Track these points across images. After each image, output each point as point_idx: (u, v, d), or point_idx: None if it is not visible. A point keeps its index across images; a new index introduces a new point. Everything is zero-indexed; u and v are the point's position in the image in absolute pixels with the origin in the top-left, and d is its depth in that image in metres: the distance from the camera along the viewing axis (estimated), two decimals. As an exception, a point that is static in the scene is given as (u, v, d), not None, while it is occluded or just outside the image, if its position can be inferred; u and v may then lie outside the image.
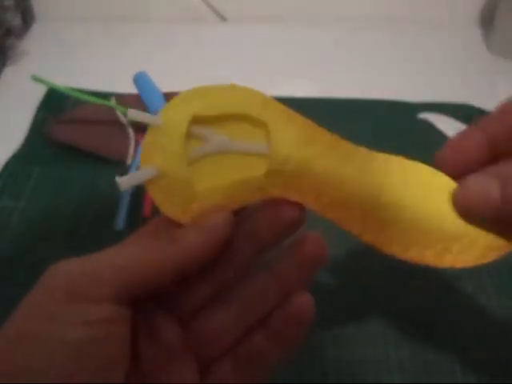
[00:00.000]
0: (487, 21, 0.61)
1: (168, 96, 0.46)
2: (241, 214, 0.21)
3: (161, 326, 0.20)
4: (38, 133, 0.45)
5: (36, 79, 0.42)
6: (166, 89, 0.46)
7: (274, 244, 0.21)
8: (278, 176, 0.18)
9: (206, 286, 0.21)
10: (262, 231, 0.21)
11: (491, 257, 0.20)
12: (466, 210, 0.18)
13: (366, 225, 0.19)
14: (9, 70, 0.54)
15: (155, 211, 0.22)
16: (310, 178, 0.18)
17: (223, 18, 0.62)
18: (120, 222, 0.36)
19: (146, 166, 0.18)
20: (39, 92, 0.48)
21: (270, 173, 0.18)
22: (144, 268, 0.19)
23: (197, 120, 0.18)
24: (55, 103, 0.47)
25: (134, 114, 0.18)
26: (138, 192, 0.39)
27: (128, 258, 0.19)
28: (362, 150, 0.20)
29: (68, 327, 0.17)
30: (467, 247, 0.19)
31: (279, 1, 0.61)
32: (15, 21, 0.57)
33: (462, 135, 0.20)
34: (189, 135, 0.18)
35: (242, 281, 0.22)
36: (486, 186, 0.17)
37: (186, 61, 0.55)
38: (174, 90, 0.46)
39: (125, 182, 0.18)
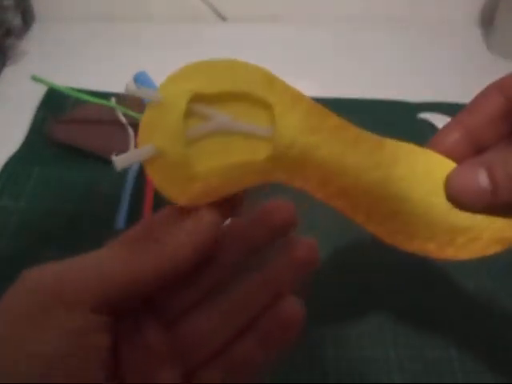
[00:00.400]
0: (487, 21, 0.61)
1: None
2: (232, 216, 0.20)
3: (145, 330, 0.20)
4: (38, 133, 0.45)
5: (36, 79, 0.42)
6: (165, 89, 0.46)
7: (264, 245, 0.21)
8: (281, 161, 0.17)
9: (194, 288, 0.21)
10: (254, 232, 0.20)
11: (493, 250, 0.19)
12: (461, 204, 0.18)
13: (370, 215, 0.19)
14: (9, 70, 0.54)
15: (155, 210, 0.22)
16: (314, 165, 0.17)
17: (223, 18, 0.62)
18: (120, 221, 0.36)
19: (143, 144, 0.17)
20: (39, 92, 0.48)
21: (274, 157, 0.17)
22: (126, 276, 0.18)
23: (197, 97, 0.17)
24: (55, 103, 0.47)
25: (132, 89, 0.17)
26: (138, 192, 0.39)
27: (111, 265, 0.18)
28: (371, 137, 0.19)
29: (44, 335, 0.16)
30: (471, 240, 0.19)
31: (279, 1, 0.61)
32: (15, 21, 0.57)
33: (441, 133, 0.21)
34: (189, 113, 0.17)
35: (232, 282, 0.21)
36: (474, 176, 0.17)
37: (185, 61, 0.55)
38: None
39: (121, 160, 0.17)
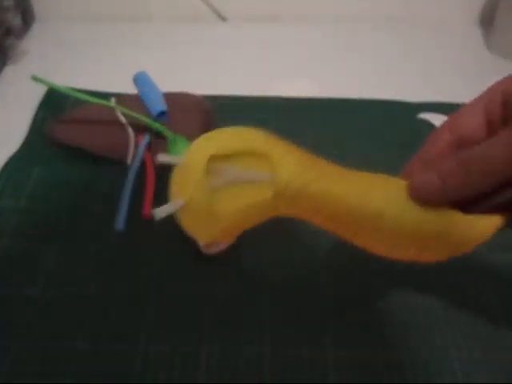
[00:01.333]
0: (487, 21, 0.61)
1: (168, 96, 0.46)
2: None
3: None
4: (38, 133, 0.45)
5: (36, 79, 0.42)
6: (166, 89, 0.46)
7: None
8: (282, 198, 0.22)
9: None
10: None
11: (462, 250, 0.23)
12: (423, 200, 0.22)
13: (357, 232, 0.23)
14: (9, 70, 0.54)
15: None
16: (307, 198, 0.22)
17: (223, 18, 0.62)
18: (120, 222, 0.36)
19: (176, 197, 0.22)
20: (39, 92, 0.48)
21: (276, 196, 0.22)
22: None
23: (214, 158, 0.22)
24: (55, 103, 0.47)
25: (163, 158, 0.22)
26: (138, 192, 0.39)
27: None
28: (349, 172, 0.23)
29: None
30: (442, 244, 0.22)
31: (279, 1, 0.61)
32: (15, 21, 0.57)
33: (408, 165, 0.24)
34: (208, 171, 0.22)
35: None
36: (428, 176, 0.22)
37: (185, 61, 0.55)
38: (174, 89, 0.47)
39: (160, 211, 0.21)
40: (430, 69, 0.55)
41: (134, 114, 0.42)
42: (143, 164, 0.41)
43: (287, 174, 0.21)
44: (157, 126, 0.42)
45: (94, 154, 0.42)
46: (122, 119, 0.44)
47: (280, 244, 0.36)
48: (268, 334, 0.32)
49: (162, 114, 0.44)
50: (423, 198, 0.21)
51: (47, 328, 0.31)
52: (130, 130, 0.43)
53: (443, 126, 0.23)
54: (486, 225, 0.22)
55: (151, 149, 0.43)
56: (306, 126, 0.46)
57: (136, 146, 0.42)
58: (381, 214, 0.22)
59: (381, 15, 0.61)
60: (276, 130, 0.45)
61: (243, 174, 0.22)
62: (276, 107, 0.48)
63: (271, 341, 0.31)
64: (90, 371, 0.30)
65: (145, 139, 0.42)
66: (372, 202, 0.22)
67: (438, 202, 0.21)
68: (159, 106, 0.44)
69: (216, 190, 0.21)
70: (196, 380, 0.29)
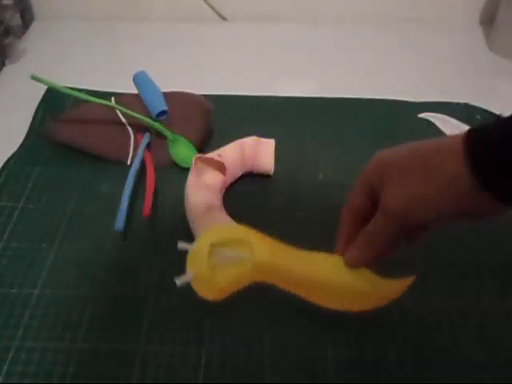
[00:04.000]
0: (488, 20, 0.61)
1: (168, 96, 0.46)
2: None
3: None
4: (38, 133, 0.45)
5: (35, 78, 0.42)
6: (165, 88, 0.46)
7: None
8: (258, 270, 0.31)
9: None
10: None
11: (383, 303, 0.31)
12: (352, 266, 0.31)
13: (309, 293, 0.32)
14: (8, 69, 0.54)
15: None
16: (275, 272, 0.31)
17: (223, 18, 0.62)
18: (120, 222, 0.36)
19: (190, 271, 0.30)
20: (38, 91, 0.48)
21: (253, 269, 0.31)
22: None
23: (214, 244, 0.31)
24: (54, 102, 0.47)
25: (182, 245, 0.30)
26: (138, 192, 0.39)
27: None
28: (303, 253, 0.32)
29: None
30: (367, 299, 0.31)
31: (279, 1, 0.61)
32: (14, 20, 0.57)
33: (343, 218, 0.32)
34: (210, 252, 0.31)
35: None
36: (352, 252, 0.30)
37: (185, 60, 0.55)
38: (174, 89, 0.47)
39: (180, 280, 0.29)
40: (431, 68, 0.55)
41: (134, 114, 0.42)
42: (143, 164, 0.41)
43: (261, 256, 0.31)
44: (157, 125, 0.42)
45: (93, 154, 0.42)
46: (122, 119, 0.44)
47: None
48: (268, 334, 0.32)
49: (162, 113, 0.44)
50: (353, 265, 0.30)
51: (47, 328, 0.31)
52: (130, 130, 0.43)
53: (345, 209, 0.32)
54: (397, 286, 0.30)
55: (151, 149, 0.43)
56: (306, 126, 0.46)
57: (136, 146, 0.42)
58: (324, 281, 0.31)
59: (381, 15, 0.61)
60: (276, 129, 0.46)
61: (232, 254, 0.31)
62: (276, 107, 0.48)
63: (271, 341, 0.31)
64: (90, 371, 0.30)
65: (145, 139, 0.42)
66: (319, 273, 0.31)
67: (363, 264, 0.30)
68: (159, 105, 0.44)
69: (216, 265, 0.31)
70: (196, 380, 0.30)
